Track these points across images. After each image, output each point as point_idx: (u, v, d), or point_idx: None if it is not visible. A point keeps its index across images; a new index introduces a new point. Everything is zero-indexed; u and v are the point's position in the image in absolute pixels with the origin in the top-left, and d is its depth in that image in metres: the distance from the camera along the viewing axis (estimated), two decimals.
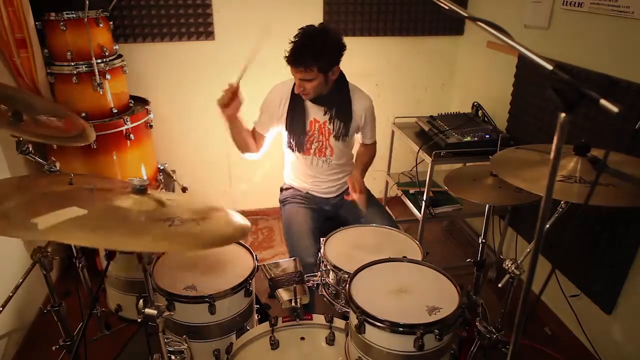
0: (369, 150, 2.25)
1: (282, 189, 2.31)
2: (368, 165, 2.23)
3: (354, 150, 2.28)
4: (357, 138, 2.22)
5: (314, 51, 1.80)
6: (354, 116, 2.04)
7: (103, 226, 0.95)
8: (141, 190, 1.09)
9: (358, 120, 2.07)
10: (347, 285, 1.33)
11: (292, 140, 2.07)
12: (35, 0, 2.10)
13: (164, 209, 1.08)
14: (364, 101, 2.06)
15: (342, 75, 2.01)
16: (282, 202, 2.24)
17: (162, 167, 2.73)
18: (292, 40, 1.82)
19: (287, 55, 1.82)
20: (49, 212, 0.95)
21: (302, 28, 1.85)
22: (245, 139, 2.05)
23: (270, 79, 2.13)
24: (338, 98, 2.00)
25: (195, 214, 1.09)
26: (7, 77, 2.13)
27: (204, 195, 3.20)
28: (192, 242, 1.02)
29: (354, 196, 1.95)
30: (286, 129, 2.06)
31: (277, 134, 2.15)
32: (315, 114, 2.03)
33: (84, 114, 2.23)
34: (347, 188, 2.21)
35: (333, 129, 2.03)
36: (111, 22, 2.36)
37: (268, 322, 1.43)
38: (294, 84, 2.00)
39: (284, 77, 2.09)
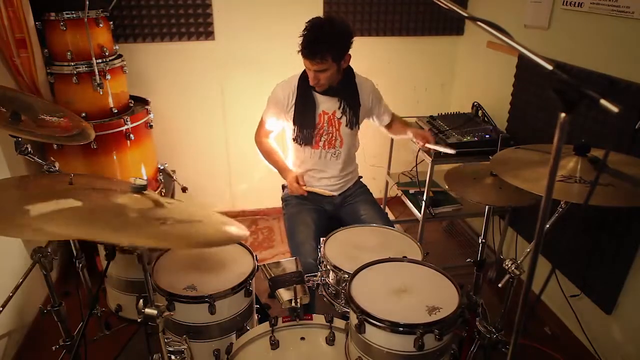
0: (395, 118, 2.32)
1: (284, 186, 2.30)
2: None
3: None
4: (375, 123, 2.28)
5: (327, 41, 1.84)
6: (362, 101, 2.07)
7: (94, 219, 0.94)
8: (140, 190, 1.09)
9: (366, 104, 2.10)
10: (347, 285, 1.33)
11: (300, 135, 2.06)
12: (35, 0, 2.10)
13: (160, 210, 1.08)
14: (366, 84, 2.11)
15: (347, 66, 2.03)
16: (285, 200, 2.24)
17: (162, 167, 2.73)
18: (303, 33, 1.85)
19: (301, 48, 1.86)
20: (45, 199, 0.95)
21: (309, 21, 1.88)
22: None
23: (270, 79, 2.14)
24: (346, 87, 2.03)
25: (190, 217, 1.09)
26: (7, 77, 2.13)
27: (204, 198, 3.20)
28: (182, 240, 1.01)
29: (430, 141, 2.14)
30: (294, 124, 2.06)
31: (281, 129, 2.18)
32: (324, 105, 2.04)
33: (84, 114, 2.23)
34: (349, 188, 2.23)
35: (346, 118, 2.05)
36: (111, 22, 2.36)
37: (268, 322, 1.43)
38: (298, 79, 2.02)
39: (284, 76, 2.10)
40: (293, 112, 2.04)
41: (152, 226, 0.98)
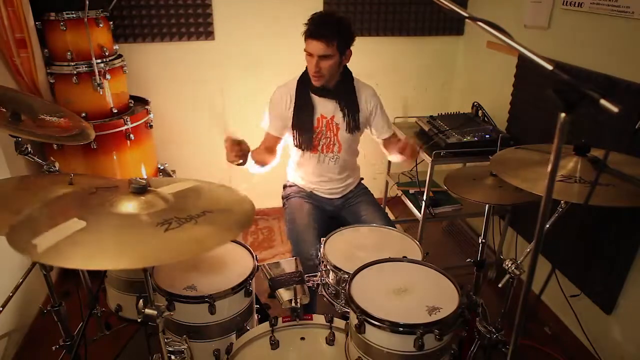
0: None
1: (285, 186, 2.30)
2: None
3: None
4: (373, 136, 2.18)
5: (336, 24, 1.83)
6: (361, 107, 2.05)
7: (100, 246, 0.95)
8: (142, 190, 1.09)
9: (365, 110, 2.07)
10: (347, 285, 1.33)
11: (299, 139, 2.05)
12: (35, 0, 2.10)
13: (163, 208, 1.07)
14: (366, 89, 2.08)
15: (346, 68, 2.02)
16: (286, 197, 2.23)
17: (162, 167, 2.73)
18: (310, 18, 1.83)
19: (307, 29, 1.83)
20: (50, 225, 0.96)
21: (314, 13, 1.86)
22: (263, 158, 2.10)
23: (270, 79, 2.14)
24: (344, 90, 2.01)
25: (195, 209, 1.08)
26: (7, 77, 2.13)
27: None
28: (188, 249, 1.00)
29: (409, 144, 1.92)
30: (293, 128, 2.05)
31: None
32: (322, 109, 2.03)
33: (84, 114, 2.23)
34: (350, 191, 2.23)
35: (345, 123, 2.03)
36: (111, 22, 2.36)
37: (268, 322, 1.43)
38: (297, 82, 2.01)
39: (282, 77, 2.09)
40: (292, 116, 2.03)
41: (156, 236, 0.97)
